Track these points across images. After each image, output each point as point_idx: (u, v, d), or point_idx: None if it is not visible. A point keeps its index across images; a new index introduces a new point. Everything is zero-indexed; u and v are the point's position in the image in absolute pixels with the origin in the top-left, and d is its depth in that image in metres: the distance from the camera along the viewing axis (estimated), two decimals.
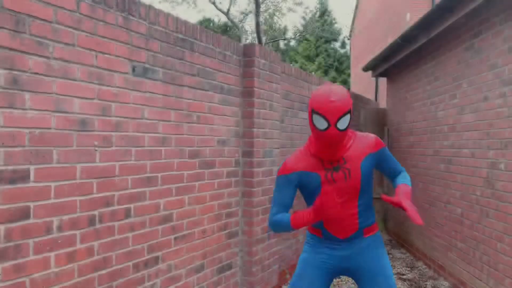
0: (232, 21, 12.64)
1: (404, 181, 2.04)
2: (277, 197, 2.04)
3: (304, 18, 22.08)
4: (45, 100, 1.93)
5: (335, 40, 22.29)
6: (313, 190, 2.00)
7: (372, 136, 2.04)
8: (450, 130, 4.33)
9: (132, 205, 2.43)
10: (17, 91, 1.81)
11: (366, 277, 2.03)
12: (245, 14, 12.79)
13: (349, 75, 21.37)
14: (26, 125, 1.85)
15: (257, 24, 10.05)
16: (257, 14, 9.90)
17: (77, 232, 2.10)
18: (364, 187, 1.99)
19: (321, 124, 1.82)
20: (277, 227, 2.00)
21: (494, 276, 3.44)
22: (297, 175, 2.00)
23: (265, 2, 11.58)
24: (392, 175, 2.13)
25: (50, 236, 1.97)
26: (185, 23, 2.80)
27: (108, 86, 2.25)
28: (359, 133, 2.05)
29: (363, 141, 2.01)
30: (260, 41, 10.29)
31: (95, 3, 2.15)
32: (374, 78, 13.04)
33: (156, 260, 2.62)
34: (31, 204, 1.88)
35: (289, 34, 20.64)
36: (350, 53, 21.14)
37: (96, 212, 2.20)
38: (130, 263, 2.43)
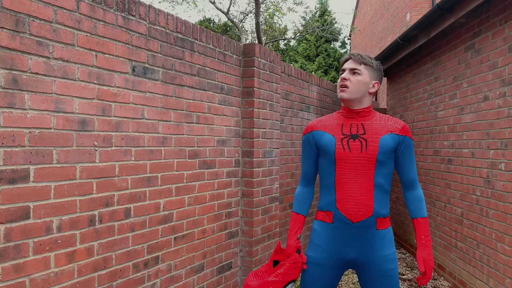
0: (232, 21, 12.61)
1: (420, 210, 2.02)
2: (303, 163, 2.17)
3: (304, 18, 22.07)
4: (45, 100, 1.93)
5: (335, 40, 22.26)
6: (328, 155, 2.01)
7: (403, 122, 2.04)
8: (450, 130, 4.33)
9: (132, 205, 2.43)
10: (17, 91, 1.81)
11: (371, 277, 2.02)
12: (245, 14, 12.76)
13: None
14: (26, 125, 1.85)
15: (257, 24, 10.04)
16: (257, 14, 9.88)
17: (77, 232, 2.10)
18: (381, 163, 1.94)
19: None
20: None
21: (494, 276, 3.44)
22: (315, 134, 2.07)
23: (265, 2, 11.56)
24: (406, 180, 2.06)
25: (50, 236, 1.97)
26: (185, 23, 2.80)
27: (108, 86, 2.25)
28: (389, 116, 2.05)
29: (391, 121, 2.02)
30: (260, 41, 10.27)
31: (95, 3, 2.15)
32: None
33: (156, 260, 2.62)
34: (31, 204, 1.88)
35: (289, 34, 20.63)
36: None
37: (96, 212, 2.20)
38: (130, 263, 2.43)
